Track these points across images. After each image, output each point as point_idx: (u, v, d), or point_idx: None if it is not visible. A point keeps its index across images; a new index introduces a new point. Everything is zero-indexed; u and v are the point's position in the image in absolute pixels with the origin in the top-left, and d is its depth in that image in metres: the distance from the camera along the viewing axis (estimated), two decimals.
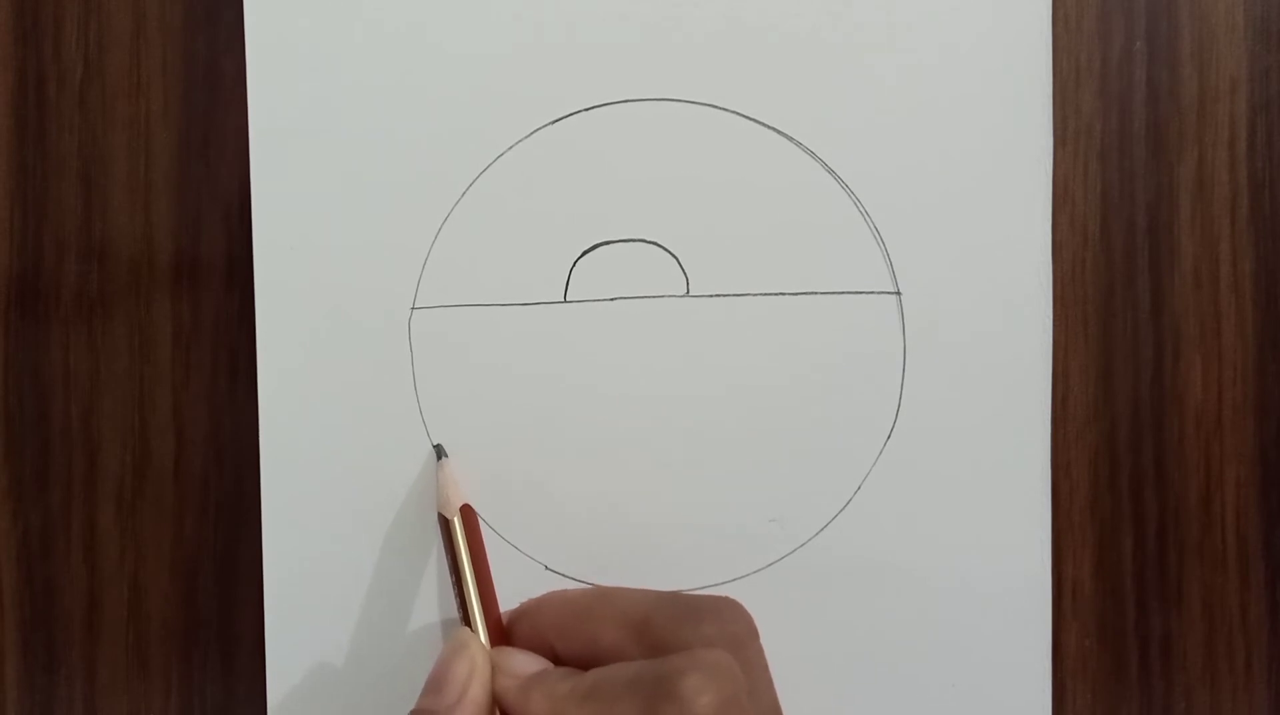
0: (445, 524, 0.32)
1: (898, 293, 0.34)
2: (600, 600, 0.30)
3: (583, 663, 0.29)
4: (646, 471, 0.34)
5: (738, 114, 0.34)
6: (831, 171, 0.34)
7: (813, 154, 0.34)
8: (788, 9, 0.34)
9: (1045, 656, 0.34)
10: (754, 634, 0.28)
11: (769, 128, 0.34)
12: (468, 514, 0.32)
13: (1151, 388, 0.35)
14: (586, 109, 0.34)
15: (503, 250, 0.34)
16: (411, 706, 0.33)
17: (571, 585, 0.34)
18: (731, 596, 0.29)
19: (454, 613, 0.34)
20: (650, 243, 0.34)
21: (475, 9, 0.34)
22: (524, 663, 0.30)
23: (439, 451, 0.33)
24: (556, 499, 0.34)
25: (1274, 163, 0.35)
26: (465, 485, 0.34)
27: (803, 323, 0.34)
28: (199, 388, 0.34)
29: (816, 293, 0.34)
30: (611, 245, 0.34)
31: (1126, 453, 0.35)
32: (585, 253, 0.34)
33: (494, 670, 0.30)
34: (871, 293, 0.34)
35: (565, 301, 0.34)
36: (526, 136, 0.34)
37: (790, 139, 0.34)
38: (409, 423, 0.34)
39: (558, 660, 0.30)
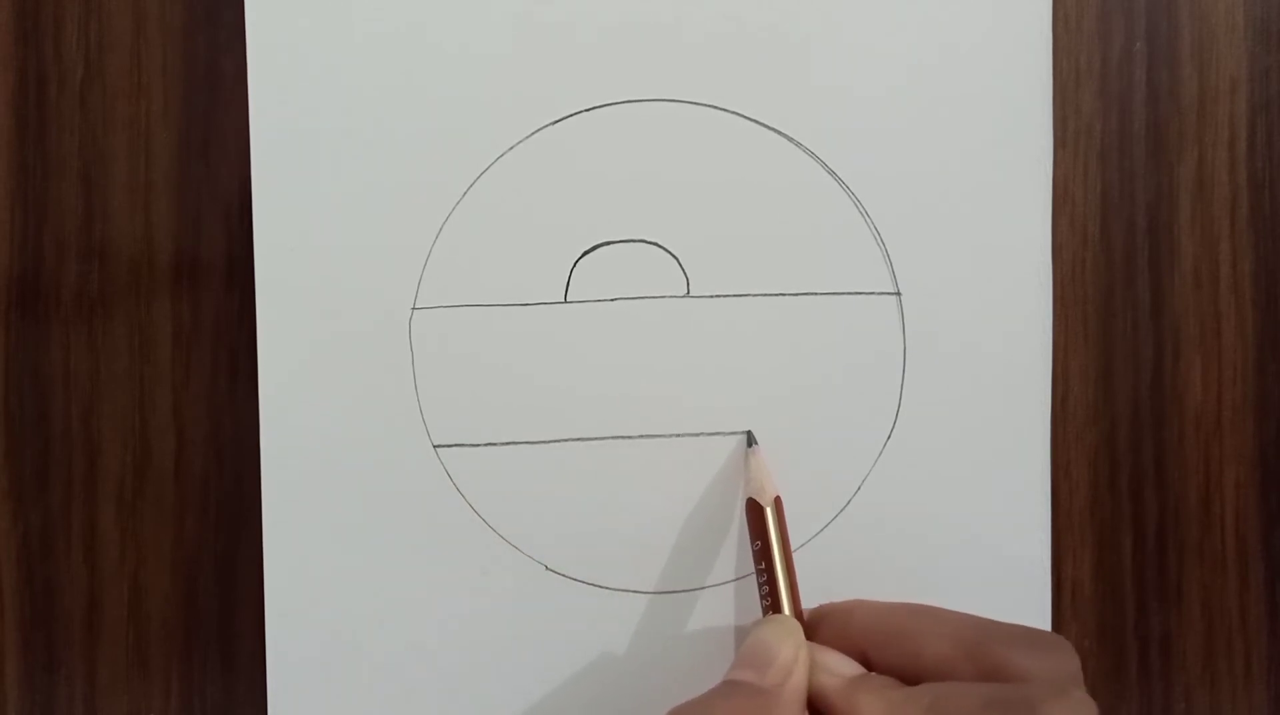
0: (758, 511, 0.31)
1: (898, 293, 0.34)
2: (920, 614, 0.30)
3: (898, 673, 0.29)
4: (646, 471, 0.34)
5: (738, 115, 0.34)
6: (832, 172, 0.34)
7: (813, 155, 0.34)
8: (788, 9, 0.34)
9: None
10: (1080, 676, 0.28)
11: (769, 128, 0.34)
12: (779, 506, 0.32)
13: (1151, 388, 0.35)
14: (587, 109, 0.34)
15: (503, 251, 0.34)
16: (416, 705, 0.33)
17: (572, 585, 0.34)
18: (1059, 635, 0.29)
19: (452, 608, 0.34)
20: (650, 243, 0.34)
21: (475, 9, 0.34)
22: (842, 663, 0.29)
23: (749, 439, 0.33)
24: (556, 499, 0.34)
25: (1274, 163, 0.35)
26: (466, 485, 0.34)
27: (803, 323, 0.34)
28: (199, 388, 0.34)
29: (817, 293, 0.34)
30: (612, 246, 0.34)
31: (1126, 453, 0.35)
32: (586, 253, 0.34)
33: (815, 669, 0.29)
34: (871, 293, 0.34)
35: (565, 302, 0.34)
36: (527, 137, 0.34)
37: (791, 140, 0.34)
38: (409, 423, 0.34)
39: (869, 666, 0.30)
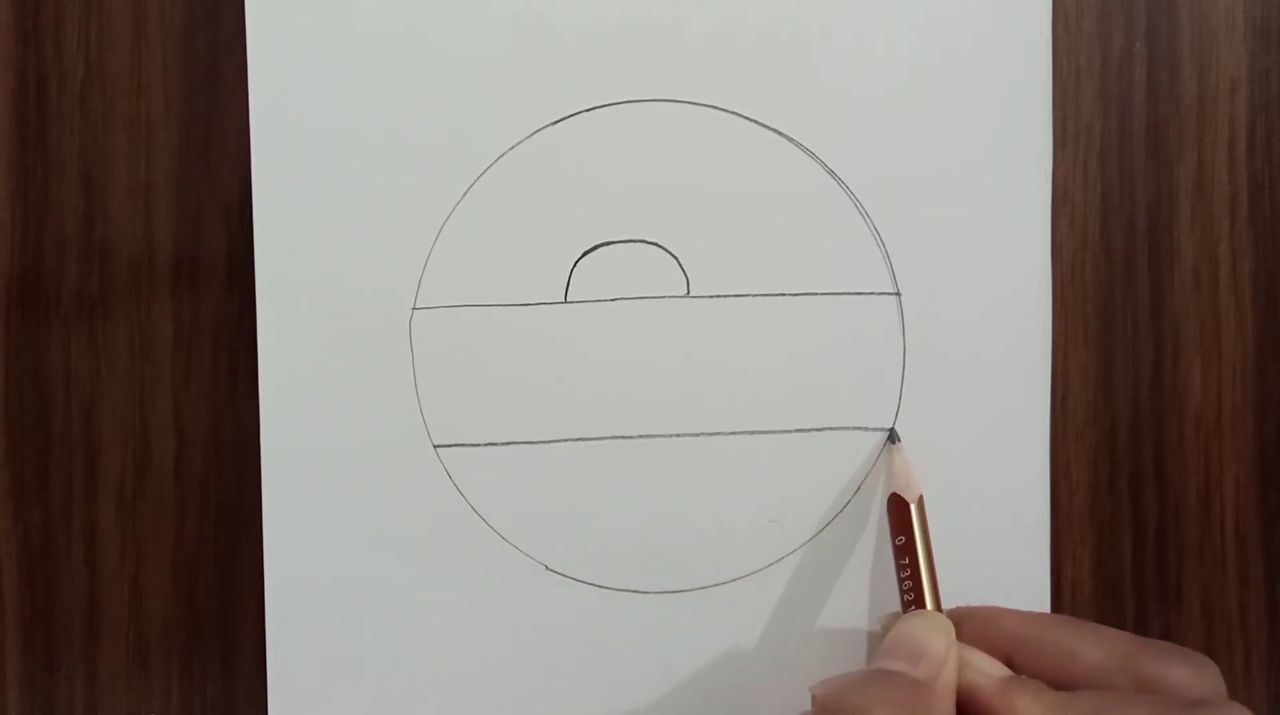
0: (903, 507, 0.32)
1: (898, 293, 0.34)
2: (1072, 624, 0.30)
3: (1048, 681, 0.29)
4: (646, 471, 0.34)
5: (738, 115, 0.34)
6: (832, 172, 0.34)
7: (813, 155, 0.34)
8: (788, 9, 0.34)
9: None
10: (1224, 692, 0.28)
11: (769, 129, 0.34)
12: (921, 503, 0.32)
13: (1151, 388, 0.35)
14: (587, 109, 0.34)
15: (503, 251, 0.34)
16: (416, 704, 0.33)
17: (572, 585, 0.34)
18: (1206, 655, 0.29)
19: (451, 608, 0.34)
20: (650, 243, 0.34)
21: (475, 10, 0.34)
22: (990, 664, 0.29)
23: (893, 436, 0.34)
24: (557, 499, 0.34)
25: (1274, 163, 0.35)
26: (466, 485, 0.34)
27: (803, 323, 0.34)
28: (199, 388, 0.34)
29: (816, 293, 0.34)
30: (612, 246, 0.34)
31: (1126, 453, 0.35)
32: (586, 253, 0.34)
33: (965, 667, 0.29)
34: (871, 293, 0.34)
35: (565, 302, 0.34)
36: (527, 137, 0.34)
37: (791, 140, 0.34)
38: (409, 423, 0.34)
39: (1013, 670, 0.30)
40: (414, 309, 0.34)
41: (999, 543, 0.34)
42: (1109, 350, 0.35)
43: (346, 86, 0.34)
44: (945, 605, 0.31)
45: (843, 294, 0.34)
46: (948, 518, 0.34)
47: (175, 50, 0.34)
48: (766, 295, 0.34)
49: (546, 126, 0.34)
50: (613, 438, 0.34)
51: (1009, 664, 0.30)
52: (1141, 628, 0.35)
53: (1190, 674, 0.27)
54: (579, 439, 0.34)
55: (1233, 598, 0.35)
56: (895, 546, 0.32)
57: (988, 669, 0.29)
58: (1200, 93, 0.35)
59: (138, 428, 0.34)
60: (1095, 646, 0.29)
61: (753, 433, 0.34)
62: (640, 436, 0.34)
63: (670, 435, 0.34)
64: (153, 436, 0.34)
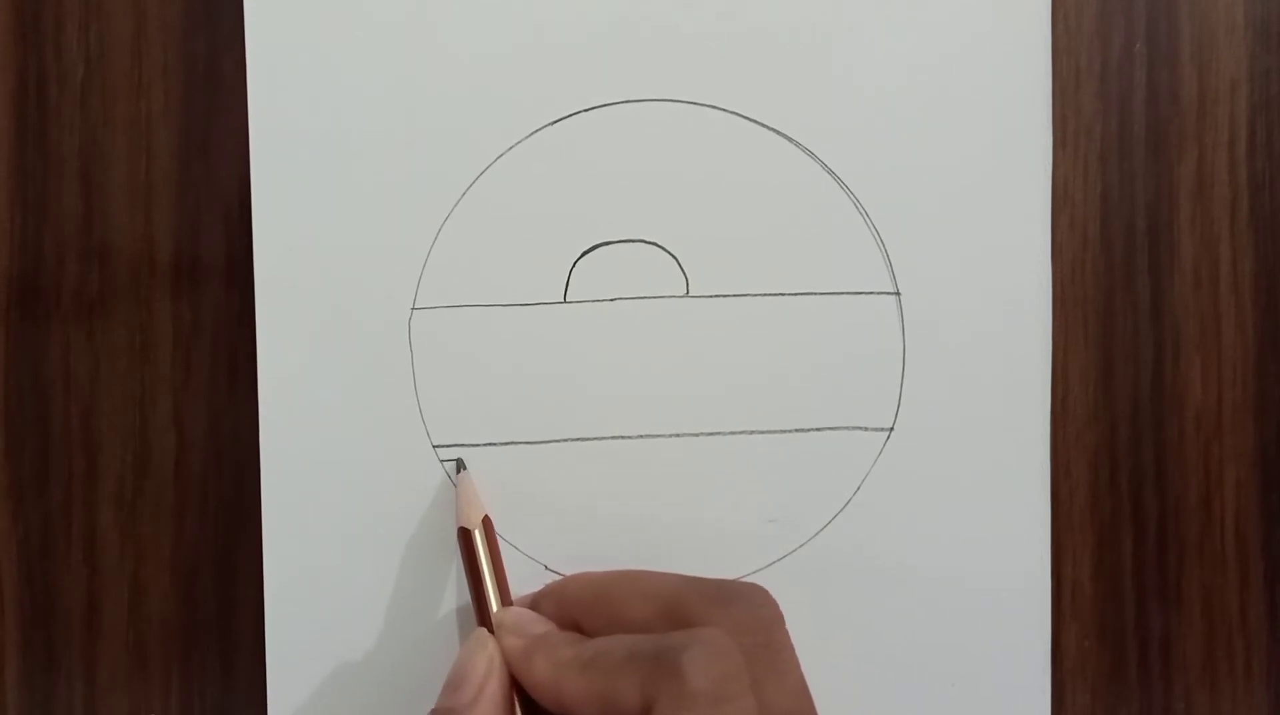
0: (466, 536, 0.32)
1: (897, 293, 0.34)
2: (626, 579, 0.31)
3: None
4: (646, 472, 0.34)
5: (738, 114, 0.34)
6: (831, 172, 0.34)
7: (812, 154, 0.34)
8: (788, 9, 0.34)
9: (1045, 656, 0.34)
10: (780, 620, 0.28)
11: (769, 128, 0.34)
12: (488, 526, 0.32)
13: (1151, 388, 0.35)
14: (586, 109, 0.34)
15: (503, 251, 0.34)
16: (416, 704, 0.33)
17: None
18: (758, 583, 0.29)
19: (451, 608, 0.34)
20: (650, 243, 0.34)
21: (476, 9, 0.34)
22: (530, 622, 0.30)
23: (459, 465, 0.33)
24: (556, 499, 0.34)
25: (1274, 163, 0.35)
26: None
27: (803, 323, 0.34)
28: (199, 388, 0.34)
29: (816, 293, 0.34)
30: (611, 245, 0.34)
31: (1126, 453, 0.35)
32: (585, 253, 0.34)
33: (503, 630, 0.30)
34: (871, 293, 0.34)
35: (565, 302, 0.34)
36: (527, 137, 0.34)
37: (790, 139, 0.34)
38: (409, 423, 0.34)
39: (584, 635, 0.30)
40: (413, 309, 0.34)
41: (999, 543, 0.34)
42: (1109, 350, 0.35)
43: (346, 87, 0.34)
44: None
45: (843, 294, 0.34)
46: (948, 518, 0.34)
47: (175, 50, 0.34)
48: (766, 295, 0.34)
49: (545, 126, 0.34)
50: (612, 438, 0.34)
51: (579, 630, 0.30)
52: (1141, 628, 0.35)
53: (722, 609, 0.28)
54: (579, 439, 0.34)
55: (1233, 598, 0.35)
56: (466, 574, 0.32)
57: (526, 629, 0.30)
58: (1200, 93, 0.35)
59: (137, 428, 0.34)
60: (642, 598, 0.29)
61: (752, 433, 0.34)
62: (640, 436, 0.34)
63: (670, 435, 0.34)
64: (153, 436, 0.34)
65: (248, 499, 0.34)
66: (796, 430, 0.34)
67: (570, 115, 0.34)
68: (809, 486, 0.34)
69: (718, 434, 0.34)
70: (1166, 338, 0.35)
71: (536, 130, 0.34)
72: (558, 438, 0.34)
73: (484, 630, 0.31)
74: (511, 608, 0.31)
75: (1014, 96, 0.34)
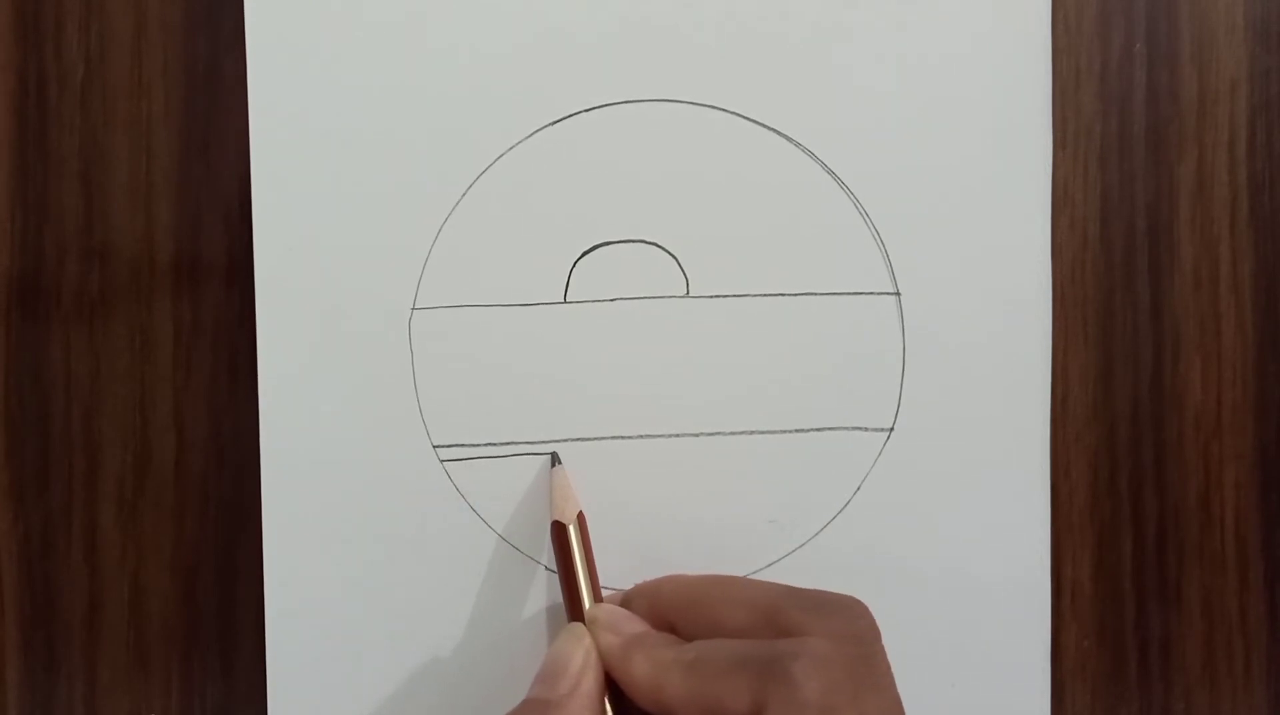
0: (561, 530, 0.32)
1: (897, 293, 0.34)
2: (723, 584, 0.31)
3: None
4: (646, 472, 0.34)
5: (738, 115, 0.34)
6: (831, 172, 0.34)
7: (812, 155, 0.34)
8: (788, 10, 0.34)
9: (1044, 657, 0.34)
10: (878, 634, 0.28)
11: (769, 129, 0.34)
12: (581, 521, 0.32)
13: (1151, 388, 0.35)
14: (586, 109, 0.34)
15: (503, 251, 0.34)
16: (416, 703, 0.33)
17: None
18: (856, 597, 0.29)
19: (451, 608, 0.34)
20: (650, 243, 0.34)
21: (475, 9, 0.34)
22: (625, 620, 0.30)
23: (554, 459, 0.34)
24: None
25: (1274, 164, 0.35)
26: (465, 485, 0.34)
27: (803, 323, 0.34)
28: (199, 388, 0.34)
29: (816, 293, 0.34)
30: (611, 246, 0.34)
31: (1126, 453, 0.35)
32: (585, 253, 0.34)
33: (597, 626, 0.30)
34: (871, 293, 0.34)
35: (565, 302, 0.34)
36: (527, 137, 0.34)
37: (790, 140, 0.34)
38: (409, 423, 0.34)
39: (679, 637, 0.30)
40: (414, 309, 0.34)
41: (999, 543, 0.34)
42: (1109, 350, 0.35)
43: (346, 87, 0.34)
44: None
45: (843, 294, 0.34)
46: (948, 518, 0.34)
47: (175, 50, 0.34)
48: (766, 295, 0.34)
49: (546, 126, 0.34)
50: (612, 438, 0.34)
51: (674, 632, 0.30)
52: (1141, 628, 0.35)
53: (821, 619, 0.28)
54: (578, 439, 0.34)
55: (1233, 598, 0.35)
56: (558, 568, 0.32)
57: (623, 627, 0.30)
58: (1200, 93, 0.35)
59: (138, 428, 0.34)
60: (742, 605, 0.29)
61: (752, 433, 0.34)
62: (640, 437, 0.34)
63: (670, 435, 0.34)
64: (153, 436, 0.34)
65: (248, 499, 0.34)
66: (796, 430, 0.34)
67: (571, 115, 0.34)
68: (809, 486, 0.34)
69: (718, 434, 0.34)
70: (1166, 338, 0.35)
71: (537, 130, 0.34)
72: (557, 438, 0.34)
73: (580, 625, 0.31)
74: (605, 605, 0.31)
75: (1014, 96, 0.34)
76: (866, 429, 0.34)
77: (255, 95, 0.34)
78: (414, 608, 0.34)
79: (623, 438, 0.34)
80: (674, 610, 0.30)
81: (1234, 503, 0.35)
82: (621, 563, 0.34)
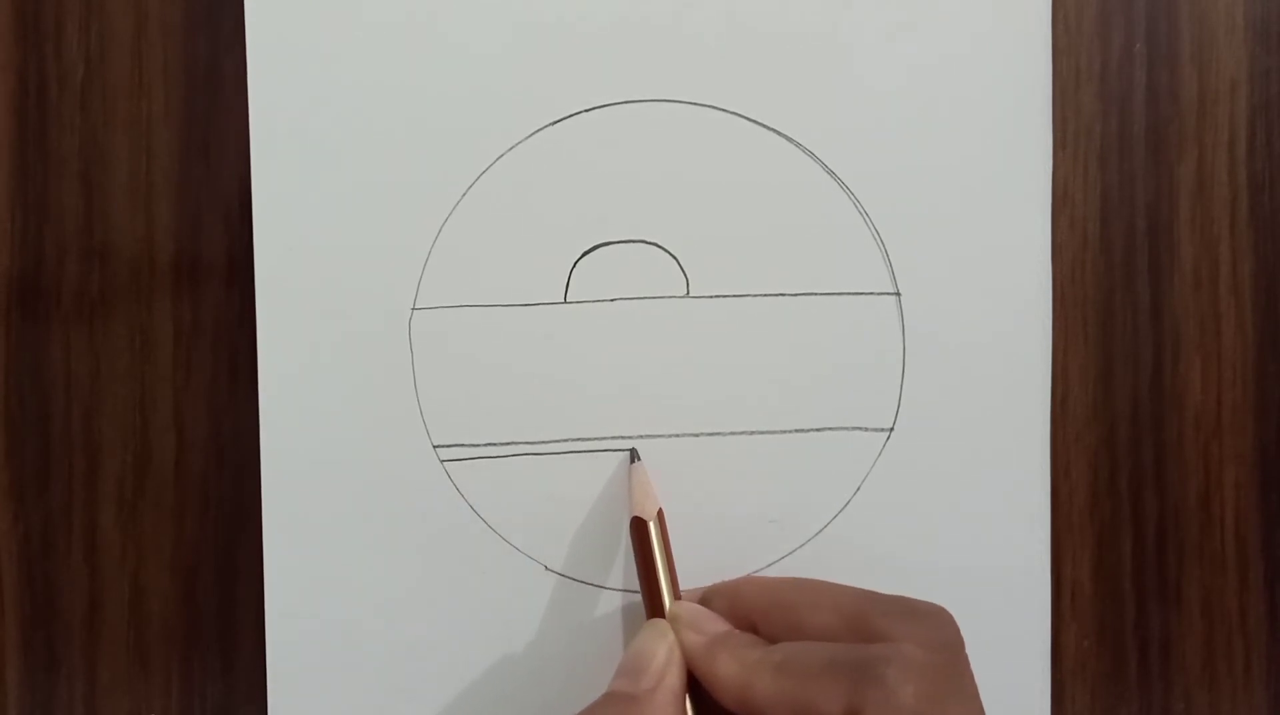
0: (641, 527, 0.32)
1: (897, 293, 0.34)
2: (807, 587, 0.31)
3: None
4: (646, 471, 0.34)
5: (738, 115, 0.34)
6: (831, 172, 0.34)
7: (813, 155, 0.34)
8: (788, 10, 0.34)
9: (1045, 657, 0.34)
10: (962, 642, 0.28)
11: (769, 129, 0.34)
12: (661, 518, 0.32)
13: (1151, 389, 0.35)
14: (587, 109, 0.34)
15: (503, 251, 0.34)
16: (415, 703, 0.33)
17: (572, 585, 0.34)
18: (940, 605, 0.29)
19: (451, 608, 0.34)
20: (650, 243, 0.34)
21: (476, 9, 0.34)
22: (707, 619, 0.30)
23: (633, 455, 0.34)
24: (556, 499, 0.34)
25: (1274, 164, 0.35)
26: (465, 485, 0.34)
27: (803, 323, 0.34)
28: (199, 388, 0.34)
29: (816, 293, 0.34)
30: (611, 246, 0.34)
31: (1126, 454, 0.35)
32: (585, 253, 0.34)
33: (680, 624, 0.30)
34: (871, 293, 0.34)
35: (565, 302, 0.34)
36: (527, 137, 0.34)
37: (790, 140, 0.34)
38: (409, 423, 0.34)
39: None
40: (414, 309, 0.34)
41: (999, 542, 0.34)
42: (1109, 350, 0.35)
43: (346, 87, 0.34)
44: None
45: (843, 294, 0.34)
46: (948, 518, 0.34)
47: (175, 50, 0.34)
48: (766, 295, 0.34)
49: (546, 126, 0.34)
50: (612, 438, 0.34)
51: (754, 632, 0.30)
52: (1141, 628, 0.35)
53: (908, 626, 0.28)
54: (579, 439, 0.34)
55: (1233, 598, 0.35)
56: (638, 564, 0.32)
57: (706, 626, 0.30)
58: (1200, 93, 0.35)
59: (138, 428, 0.34)
60: (826, 608, 0.29)
61: (752, 433, 0.34)
62: (640, 437, 0.34)
63: (670, 435, 0.34)
64: (153, 436, 0.34)
65: (248, 499, 0.34)
66: (796, 430, 0.34)
67: (571, 115, 0.34)
68: (809, 486, 0.34)
69: (718, 434, 0.34)
70: (1166, 338, 0.35)
71: (537, 130, 0.34)
72: (557, 438, 0.34)
73: (662, 621, 0.30)
74: (686, 602, 0.31)
75: (1014, 97, 0.34)
76: (866, 429, 0.34)
77: (255, 95, 0.34)
78: (414, 608, 0.34)
79: (623, 438, 0.34)
80: (756, 611, 0.30)
81: (1234, 503, 0.35)
82: (623, 562, 0.34)
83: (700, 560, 0.34)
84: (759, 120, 0.34)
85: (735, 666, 0.28)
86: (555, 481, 0.34)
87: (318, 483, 0.34)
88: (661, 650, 0.29)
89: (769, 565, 0.34)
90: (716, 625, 0.30)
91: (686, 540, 0.34)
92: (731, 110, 0.34)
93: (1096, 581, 0.35)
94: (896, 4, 0.34)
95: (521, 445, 0.34)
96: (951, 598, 0.33)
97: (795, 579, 0.32)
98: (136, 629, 0.35)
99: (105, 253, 0.34)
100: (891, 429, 0.34)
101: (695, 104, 0.34)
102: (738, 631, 0.30)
